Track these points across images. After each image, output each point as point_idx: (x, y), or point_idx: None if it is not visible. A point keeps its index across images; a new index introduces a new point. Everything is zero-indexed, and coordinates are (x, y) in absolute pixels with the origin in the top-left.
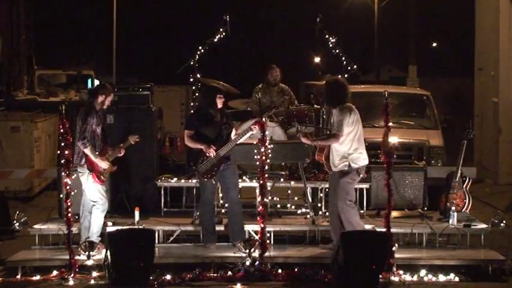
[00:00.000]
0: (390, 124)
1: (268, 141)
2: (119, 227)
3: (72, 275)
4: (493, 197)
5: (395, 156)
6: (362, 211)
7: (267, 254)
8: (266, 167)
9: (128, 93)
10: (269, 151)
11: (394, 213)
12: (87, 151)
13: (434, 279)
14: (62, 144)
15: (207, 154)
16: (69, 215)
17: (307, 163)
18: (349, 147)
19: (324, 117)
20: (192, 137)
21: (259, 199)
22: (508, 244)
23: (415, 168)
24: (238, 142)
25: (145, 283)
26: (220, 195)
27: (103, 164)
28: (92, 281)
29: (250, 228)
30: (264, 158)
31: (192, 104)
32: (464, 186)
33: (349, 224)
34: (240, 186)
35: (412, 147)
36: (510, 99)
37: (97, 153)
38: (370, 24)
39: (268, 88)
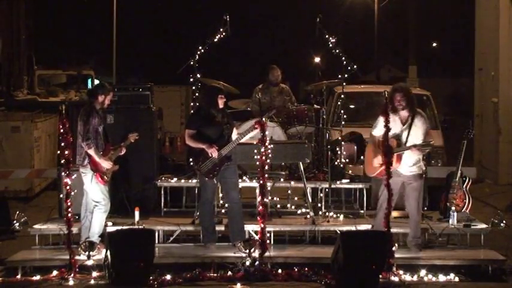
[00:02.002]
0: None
1: (268, 141)
2: (119, 227)
3: (72, 275)
4: (493, 197)
5: None
6: (362, 211)
7: (267, 254)
8: (266, 167)
9: (128, 93)
10: (269, 151)
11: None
12: (92, 152)
13: (434, 279)
14: (62, 144)
15: (210, 154)
16: (69, 215)
17: (307, 163)
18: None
19: (324, 117)
20: (194, 137)
21: (259, 199)
22: (508, 244)
23: None
24: (240, 142)
25: (145, 283)
26: (221, 195)
27: (106, 164)
28: (92, 281)
29: (250, 228)
30: (264, 158)
31: (192, 104)
32: (464, 186)
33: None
34: (240, 186)
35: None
36: (510, 99)
37: (100, 153)
38: (370, 24)
39: (268, 88)
